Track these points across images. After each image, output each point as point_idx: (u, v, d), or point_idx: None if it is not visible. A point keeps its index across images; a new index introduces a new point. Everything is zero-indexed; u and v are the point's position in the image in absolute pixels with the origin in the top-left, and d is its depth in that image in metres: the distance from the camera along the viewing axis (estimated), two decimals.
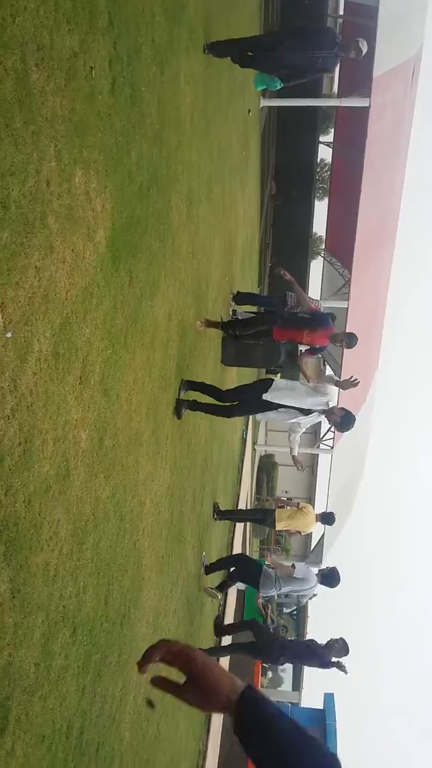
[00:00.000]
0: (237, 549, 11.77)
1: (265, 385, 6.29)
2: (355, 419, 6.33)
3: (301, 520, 8.65)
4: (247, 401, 6.48)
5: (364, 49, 6.43)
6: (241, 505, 13.28)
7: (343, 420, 6.26)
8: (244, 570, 8.35)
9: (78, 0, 2.88)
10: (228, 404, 6.39)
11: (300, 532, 9.02)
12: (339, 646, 7.12)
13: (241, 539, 13.78)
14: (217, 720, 8.87)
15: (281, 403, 6.21)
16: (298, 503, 9.34)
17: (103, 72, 3.30)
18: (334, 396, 6.42)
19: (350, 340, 7.10)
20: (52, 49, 2.62)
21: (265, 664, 8.17)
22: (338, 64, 6.50)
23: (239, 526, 12.36)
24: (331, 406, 6.29)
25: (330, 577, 7.59)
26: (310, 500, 40.71)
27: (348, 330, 14.58)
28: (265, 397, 6.20)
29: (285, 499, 10.38)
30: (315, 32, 6.39)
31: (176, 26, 5.22)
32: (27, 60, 2.38)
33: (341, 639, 7.22)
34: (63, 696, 2.91)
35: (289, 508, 9.04)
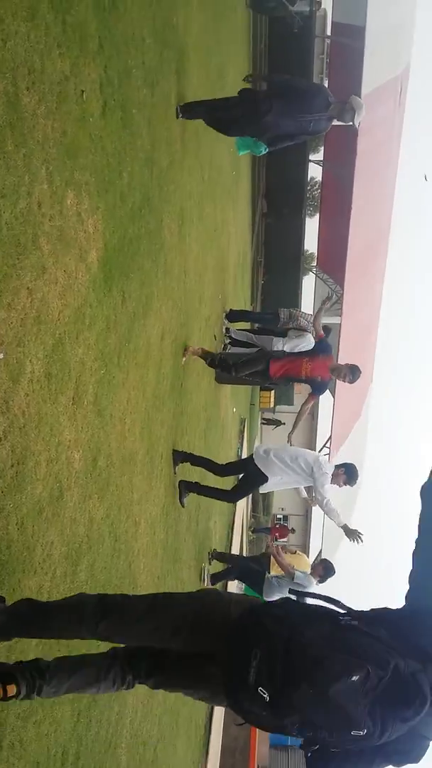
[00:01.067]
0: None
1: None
2: (358, 473, 6.33)
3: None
4: (248, 476, 6.45)
5: (359, 114, 5.72)
6: (237, 521, 13.23)
7: (349, 475, 6.25)
8: (246, 576, 8.47)
9: (68, 24, 2.91)
10: (227, 476, 6.31)
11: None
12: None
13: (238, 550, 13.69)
14: (216, 743, 8.76)
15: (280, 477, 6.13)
16: (295, 550, 9.49)
17: (94, 95, 3.33)
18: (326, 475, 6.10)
19: (353, 374, 6.70)
20: (43, 73, 2.64)
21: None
22: (330, 127, 5.79)
23: (235, 546, 12.28)
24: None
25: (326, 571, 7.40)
26: (307, 514, 40.65)
27: (341, 343, 14.65)
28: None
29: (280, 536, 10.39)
30: (306, 93, 5.59)
31: (166, 48, 5.28)
32: (18, 83, 2.40)
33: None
34: (58, 721, 2.87)
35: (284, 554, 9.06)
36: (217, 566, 8.47)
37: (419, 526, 2.16)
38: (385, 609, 2.09)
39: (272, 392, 19.95)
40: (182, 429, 6.21)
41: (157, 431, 5.05)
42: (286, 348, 8.81)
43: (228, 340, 9.44)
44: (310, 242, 24.14)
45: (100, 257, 3.46)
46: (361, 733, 1.82)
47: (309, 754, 2.02)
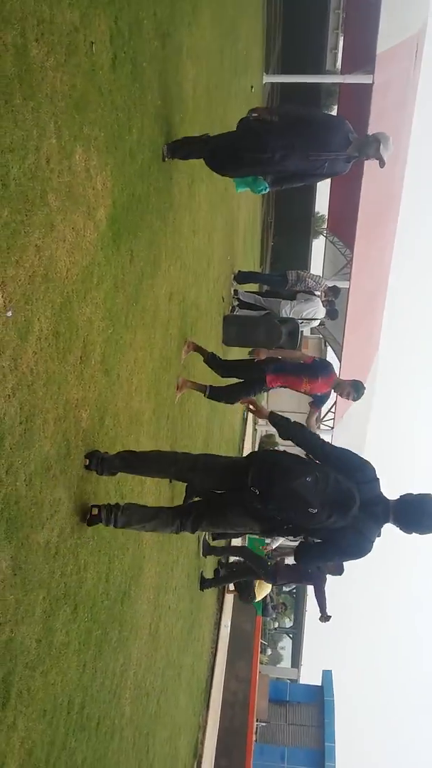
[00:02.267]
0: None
1: None
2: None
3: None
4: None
5: (386, 148, 4.76)
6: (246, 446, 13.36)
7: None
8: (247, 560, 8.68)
9: None
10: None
11: None
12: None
13: None
14: (217, 695, 9.00)
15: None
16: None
17: (104, 47, 3.25)
18: None
19: (357, 390, 6.03)
20: (53, 24, 2.58)
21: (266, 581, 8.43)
22: (349, 168, 4.77)
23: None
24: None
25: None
26: None
27: (349, 308, 14.56)
28: None
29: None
30: (322, 128, 4.60)
31: (178, 0, 5.14)
32: (27, 35, 2.35)
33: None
34: (64, 671, 2.95)
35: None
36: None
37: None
38: (342, 450, 3.52)
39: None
40: (189, 390, 6.22)
41: (164, 392, 5.07)
42: (293, 313, 8.77)
43: (236, 302, 9.40)
44: (322, 204, 23.81)
45: (109, 215, 3.43)
46: (314, 510, 3.14)
47: (297, 549, 3.52)
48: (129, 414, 4.02)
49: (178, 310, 5.55)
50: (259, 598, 9.11)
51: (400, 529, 3.29)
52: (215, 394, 6.22)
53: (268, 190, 5.09)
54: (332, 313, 9.20)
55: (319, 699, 25.52)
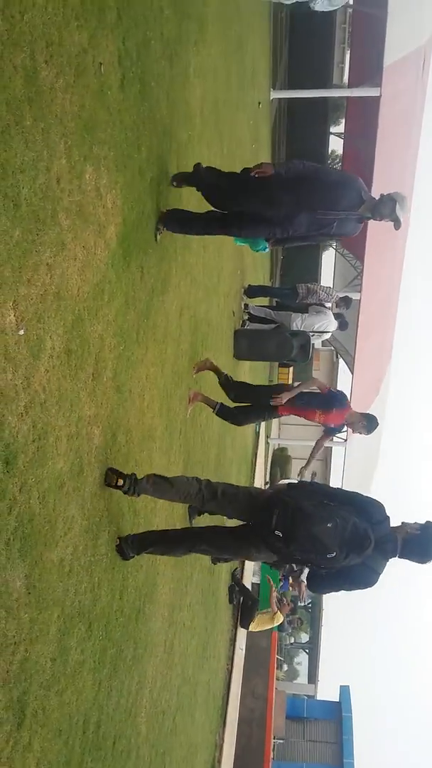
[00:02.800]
0: None
1: None
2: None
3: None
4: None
5: (403, 208, 4.38)
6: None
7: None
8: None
9: None
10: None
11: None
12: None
13: None
14: (234, 712, 8.91)
15: None
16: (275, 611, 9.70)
17: (113, 68, 3.29)
18: None
19: (370, 424, 5.88)
20: (61, 46, 2.61)
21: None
22: (360, 229, 4.48)
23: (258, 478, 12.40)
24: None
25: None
26: (326, 461, 40.67)
27: (361, 320, 14.53)
28: None
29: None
30: (334, 186, 4.28)
31: (185, 19, 5.20)
32: (36, 57, 2.38)
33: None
34: (79, 690, 2.93)
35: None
36: None
37: None
38: (355, 493, 3.73)
39: (291, 369, 19.89)
40: (201, 405, 6.22)
41: (176, 407, 5.07)
42: (304, 326, 8.77)
43: (246, 316, 9.42)
44: None
45: (119, 232, 3.45)
46: (332, 555, 3.37)
47: (309, 577, 3.81)
48: (141, 430, 4.03)
49: (189, 326, 5.57)
50: (257, 629, 9.14)
51: (415, 561, 3.56)
52: (224, 412, 6.18)
53: (267, 249, 4.83)
54: (342, 325, 9.19)
55: (337, 715, 25.19)
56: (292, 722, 23.70)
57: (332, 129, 23.91)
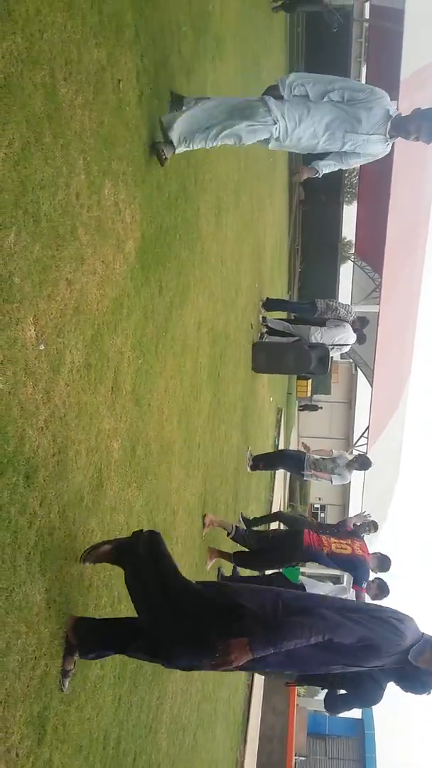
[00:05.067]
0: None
1: None
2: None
3: None
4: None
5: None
6: (275, 508, 13.23)
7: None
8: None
9: (105, 14, 2.91)
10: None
11: None
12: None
13: None
14: (254, 731, 8.81)
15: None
16: None
17: (131, 84, 3.32)
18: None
19: (382, 565, 5.95)
20: (80, 63, 2.65)
21: None
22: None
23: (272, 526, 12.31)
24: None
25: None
26: (344, 504, 40.49)
27: (380, 333, 14.46)
28: None
29: None
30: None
31: (203, 35, 5.25)
32: (55, 74, 2.41)
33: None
34: (99, 706, 2.92)
35: None
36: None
37: None
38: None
39: (309, 381, 19.82)
40: (219, 418, 6.22)
41: (195, 421, 5.07)
42: (324, 339, 8.75)
43: (265, 329, 9.41)
44: (348, 230, 23.84)
45: (138, 247, 3.47)
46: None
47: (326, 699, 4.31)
48: (160, 443, 4.02)
49: (208, 339, 5.57)
50: None
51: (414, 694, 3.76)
52: (240, 537, 5.98)
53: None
54: (361, 338, 9.16)
55: (360, 732, 24.81)
56: (314, 739, 23.39)
57: None
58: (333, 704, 4.35)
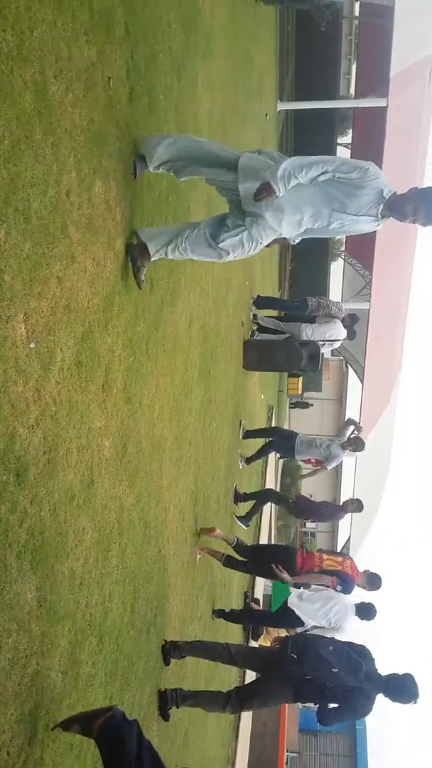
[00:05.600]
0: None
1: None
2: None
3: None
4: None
5: None
6: (265, 510, 13.25)
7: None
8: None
9: (95, 11, 2.90)
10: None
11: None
12: (355, 505, 7.90)
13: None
14: (246, 727, 8.83)
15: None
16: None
17: (121, 81, 3.32)
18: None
19: (372, 583, 6.17)
20: (70, 61, 2.64)
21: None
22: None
23: (263, 533, 12.32)
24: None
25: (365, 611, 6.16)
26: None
27: (370, 329, 14.49)
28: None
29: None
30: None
31: (193, 32, 5.24)
32: (46, 72, 2.40)
33: (357, 499, 8.05)
34: (91, 704, 2.91)
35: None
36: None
37: None
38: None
39: (300, 378, 19.87)
40: (211, 416, 6.22)
41: (186, 418, 5.07)
42: (315, 335, 8.77)
43: (256, 327, 9.42)
44: None
45: (128, 245, 3.46)
46: (336, 670, 4.35)
47: (319, 712, 4.54)
48: (151, 441, 4.02)
49: (199, 337, 5.57)
50: (265, 643, 9.01)
51: (400, 702, 4.43)
52: (231, 563, 6.19)
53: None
54: (351, 334, 9.19)
55: (351, 728, 24.95)
56: (306, 735, 23.50)
57: (339, 140, 23.98)
58: (325, 718, 4.53)
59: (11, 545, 2.19)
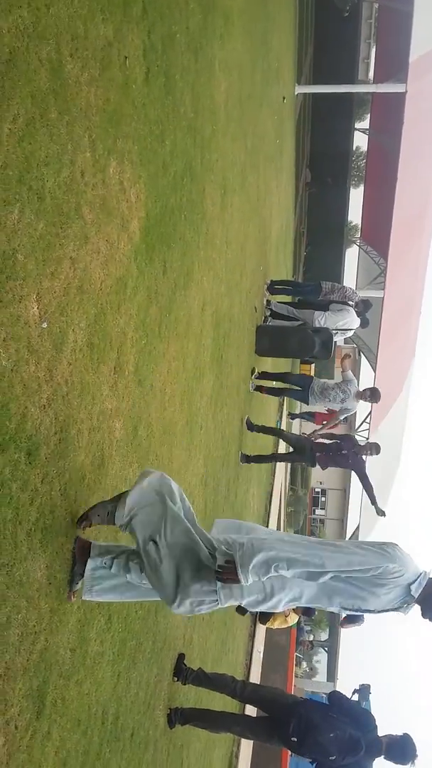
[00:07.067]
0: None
1: None
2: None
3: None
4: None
5: None
6: (275, 492, 13.28)
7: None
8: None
9: None
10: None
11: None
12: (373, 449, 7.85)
13: (275, 527, 13.75)
14: (252, 708, 8.90)
15: None
16: (288, 613, 9.27)
17: (137, 61, 3.29)
18: None
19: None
20: (87, 39, 2.62)
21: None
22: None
23: (272, 518, 12.34)
24: None
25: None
26: (345, 489, 40.70)
27: (384, 317, 14.41)
28: None
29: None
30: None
31: (211, 12, 5.18)
32: (61, 50, 2.38)
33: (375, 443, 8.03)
34: (98, 682, 2.95)
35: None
36: None
37: None
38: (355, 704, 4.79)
39: (312, 365, 19.83)
40: (222, 401, 6.23)
41: (197, 403, 5.07)
42: (328, 324, 8.73)
43: (269, 313, 9.39)
44: (354, 214, 23.70)
45: (142, 227, 3.45)
46: (333, 757, 4.32)
47: None
48: (162, 424, 4.03)
49: (211, 321, 5.56)
50: (276, 626, 9.00)
51: (398, 764, 4.37)
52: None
53: None
54: (364, 322, 9.14)
55: None
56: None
57: (357, 125, 23.74)
58: None
59: (22, 523, 2.21)
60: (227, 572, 2.62)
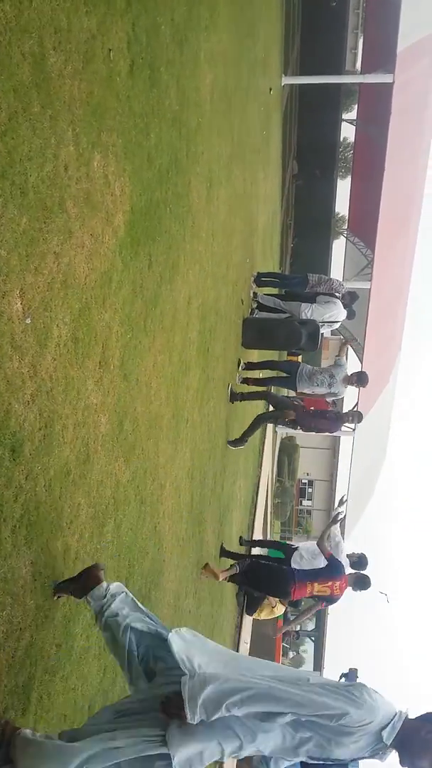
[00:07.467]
0: (258, 532, 11.82)
1: None
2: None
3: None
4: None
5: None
6: (262, 484, 13.34)
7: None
8: None
9: None
10: None
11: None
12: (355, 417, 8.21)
13: (262, 521, 13.82)
14: None
15: None
16: (275, 604, 9.23)
17: (122, 54, 3.27)
18: None
19: (360, 583, 6.43)
20: (70, 32, 2.60)
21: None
22: None
23: (259, 510, 12.39)
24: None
25: (359, 564, 6.79)
26: (332, 479, 40.84)
27: (371, 309, 14.44)
28: None
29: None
30: None
31: (196, 4, 5.15)
32: (44, 43, 2.36)
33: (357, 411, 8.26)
34: (84, 676, 2.96)
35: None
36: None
37: None
38: None
39: (299, 357, 19.87)
40: (208, 394, 6.23)
41: (183, 396, 5.07)
42: (315, 316, 8.73)
43: (255, 305, 9.39)
44: (341, 205, 23.70)
45: (127, 220, 3.44)
46: None
47: None
48: (148, 418, 4.03)
49: (197, 314, 5.55)
50: (263, 617, 9.06)
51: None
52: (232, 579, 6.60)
53: None
54: (350, 314, 9.16)
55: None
56: None
57: (344, 116, 23.70)
58: None
59: (6, 520, 2.20)
60: (174, 706, 2.25)
